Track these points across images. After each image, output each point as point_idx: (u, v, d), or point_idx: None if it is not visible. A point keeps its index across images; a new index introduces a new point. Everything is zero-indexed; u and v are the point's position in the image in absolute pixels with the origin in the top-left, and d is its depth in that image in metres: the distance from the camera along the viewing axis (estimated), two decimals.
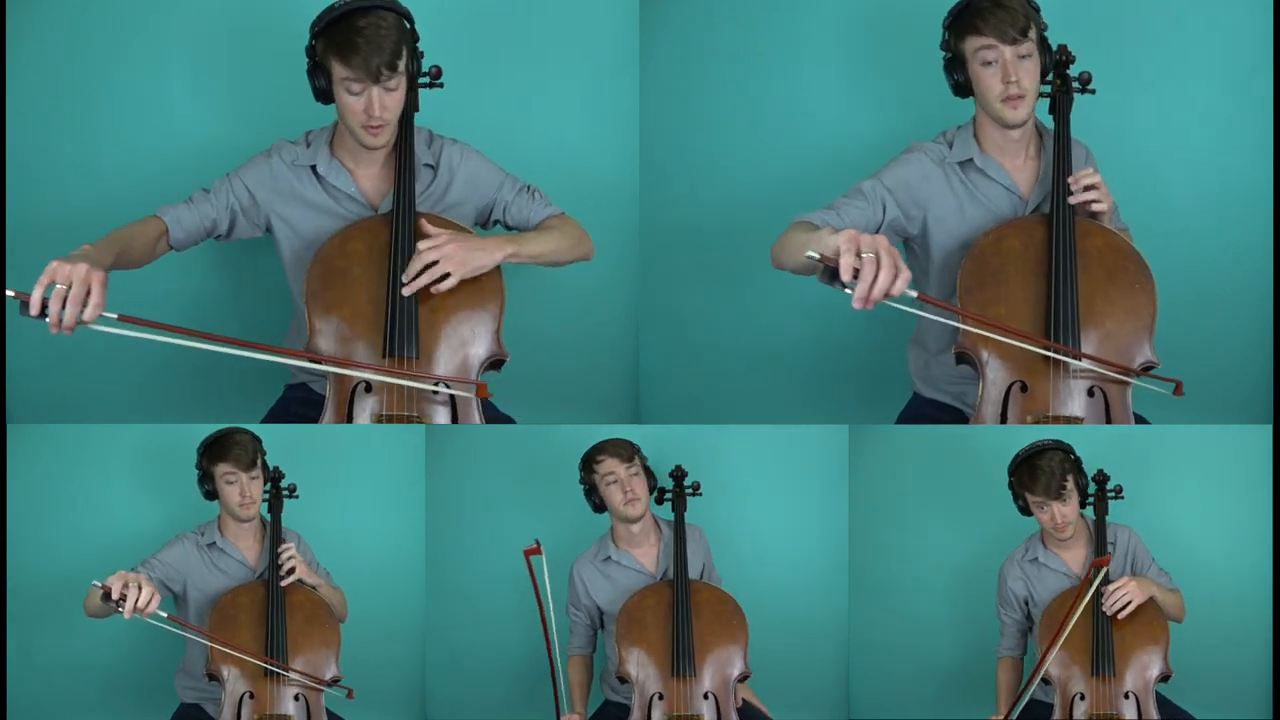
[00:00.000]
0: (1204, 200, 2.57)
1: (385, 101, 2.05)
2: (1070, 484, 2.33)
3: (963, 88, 2.15)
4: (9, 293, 1.81)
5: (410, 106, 2.16)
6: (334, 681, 2.33)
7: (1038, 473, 2.32)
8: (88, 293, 1.81)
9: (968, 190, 2.18)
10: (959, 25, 2.11)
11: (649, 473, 2.42)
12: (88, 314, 1.81)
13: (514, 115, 2.61)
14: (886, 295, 1.71)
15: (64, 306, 1.79)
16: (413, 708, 2.77)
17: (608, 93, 2.63)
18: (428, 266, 2.05)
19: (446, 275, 2.05)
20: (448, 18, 2.51)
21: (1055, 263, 2.08)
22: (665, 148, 2.64)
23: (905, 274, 1.71)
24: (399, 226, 2.10)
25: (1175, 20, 2.57)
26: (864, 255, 1.70)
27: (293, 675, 2.28)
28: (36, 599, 2.61)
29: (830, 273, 1.72)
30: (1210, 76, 2.57)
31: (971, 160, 2.17)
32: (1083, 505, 2.38)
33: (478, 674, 2.79)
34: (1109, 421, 2.06)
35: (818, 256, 1.72)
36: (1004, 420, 2.06)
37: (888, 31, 2.61)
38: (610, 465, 2.37)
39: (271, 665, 2.27)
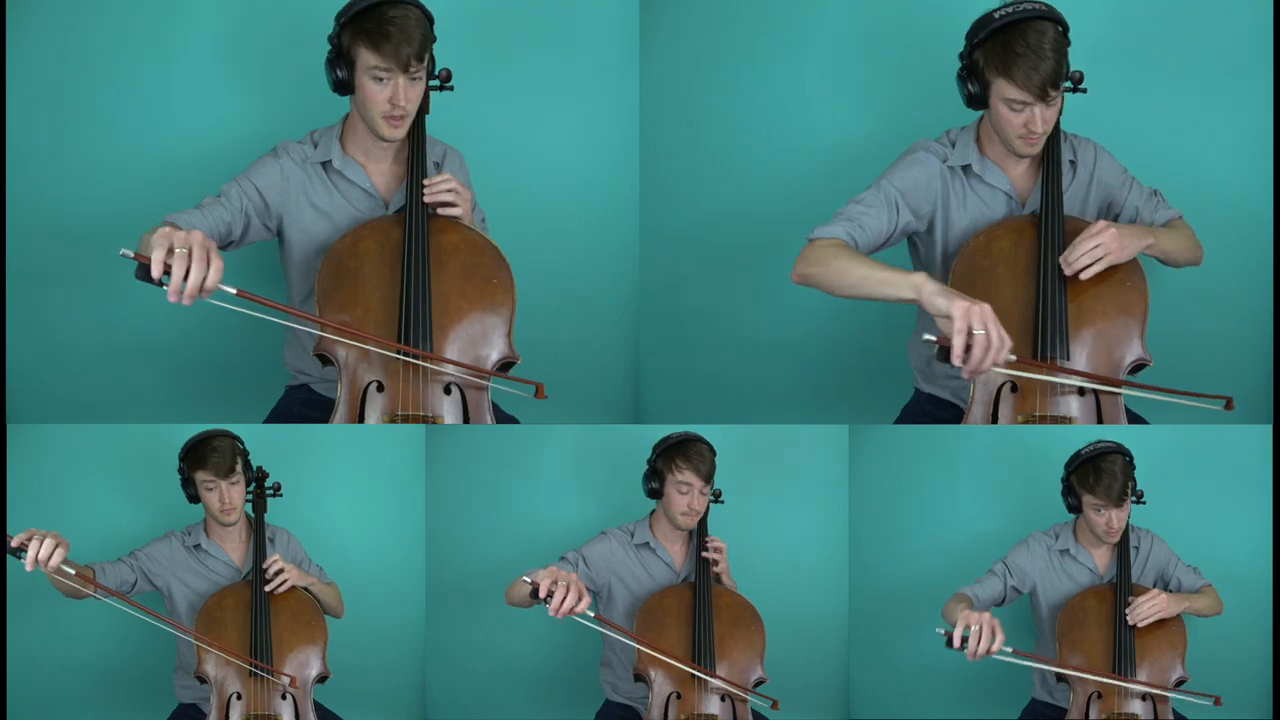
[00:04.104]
0: (1204, 200, 2.57)
1: (409, 93, 2.07)
2: (1129, 491, 2.34)
3: (976, 101, 2.10)
4: (125, 252, 1.73)
5: (423, 108, 2.17)
6: (322, 679, 2.33)
7: (1103, 475, 2.32)
8: (208, 261, 1.75)
9: (970, 192, 2.18)
10: (989, 57, 2.04)
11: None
12: (210, 281, 1.74)
13: (514, 116, 2.61)
14: (994, 366, 1.85)
15: (186, 274, 1.73)
16: (413, 708, 2.77)
17: (608, 93, 2.63)
18: (448, 193, 2.11)
19: (456, 208, 2.11)
20: (447, 20, 2.50)
21: (1043, 263, 2.07)
22: (665, 149, 2.64)
23: (1009, 343, 1.85)
24: (412, 222, 2.10)
25: (1176, 19, 2.57)
26: (976, 333, 1.84)
27: (279, 678, 2.28)
28: (36, 599, 2.60)
29: (944, 351, 1.86)
30: (1210, 76, 2.57)
31: (970, 166, 2.17)
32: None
33: (478, 674, 2.79)
34: (1100, 420, 2.06)
35: (935, 340, 1.86)
36: (995, 420, 2.06)
37: (888, 34, 2.61)
38: (689, 477, 2.37)
39: (252, 664, 2.27)
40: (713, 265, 2.69)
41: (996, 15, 2.04)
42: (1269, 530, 2.52)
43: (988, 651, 2.10)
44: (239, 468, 2.37)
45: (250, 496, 2.40)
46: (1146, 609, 2.29)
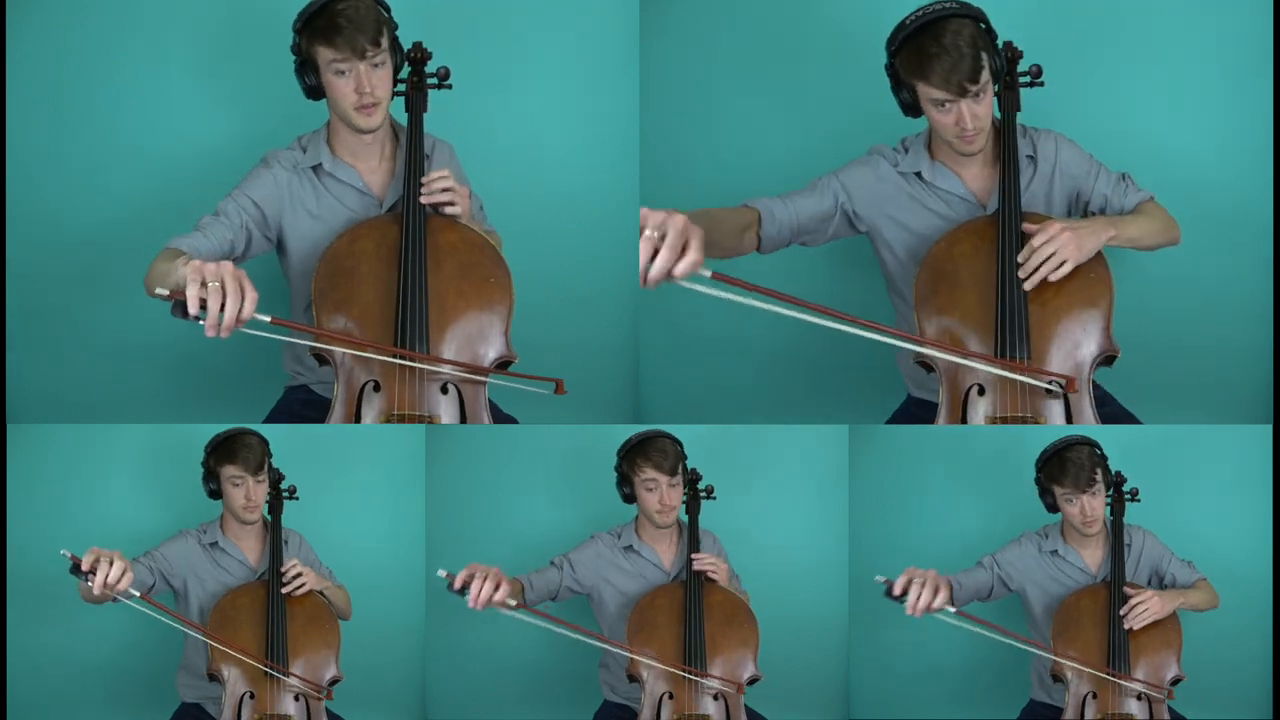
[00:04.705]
0: (1203, 200, 2.57)
1: (373, 78, 2.07)
2: (1099, 477, 2.34)
3: (910, 109, 2.10)
4: (159, 290, 1.76)
5: (420, 106, 2.17)
6: (334, 682, 2.33)
7: (1067, 465, 2.32)
8: (242, 293, 1.76)
9: (927, 197, 2.18)
10: (906, 63, 2.05)
11: (686, 480, 2.43)
12: (245, 312, 1.75)
13: (514, 115, 2.61)
14: (669, 276, 1.66)
15: (222, 307, 1.74)
16: (413, 708, 2.77)
17: (608, 93, 2.63)
18: (445, 194, 2.11)
19: (456, 206, 2.12)
20: (448, 18, 2.51)
21: (1002, 262, 2.05)
22: (665, 148, 2.64)
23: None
24: (409, 222, 2.10)
25: (1175, 18, 2.57)
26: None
27: (292, 680, 2.28)
28: (37, 599, 2.61)
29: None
30: (1210, 75, 2.57)
31: (920, 172, 2.17)
32: (1110, 501, 2.39)
33: (478, 674, 2.79)
34: (1069, 419, 2.04)
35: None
36: (963, 421, 2.05)
37: (886, 33, 2.61)
38: (651, 473, 2.38)
39: (267, 666, 2.27)
40: (712, 264, 2.69)
41: (908, 21, 2.04)
42: (1269, 530, 2.52)
43: (928, 607, 2.03)
44: (266, 466, 2.38)
45: (269, 497, 2.40)
46: (1140, 611, 2.29)
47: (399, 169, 2.18)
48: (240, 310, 1.74)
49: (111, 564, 2.00)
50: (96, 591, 2.01)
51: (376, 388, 2.05)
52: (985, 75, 2.02)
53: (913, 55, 2.03)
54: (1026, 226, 2.07)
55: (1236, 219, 2.57)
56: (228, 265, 1.76)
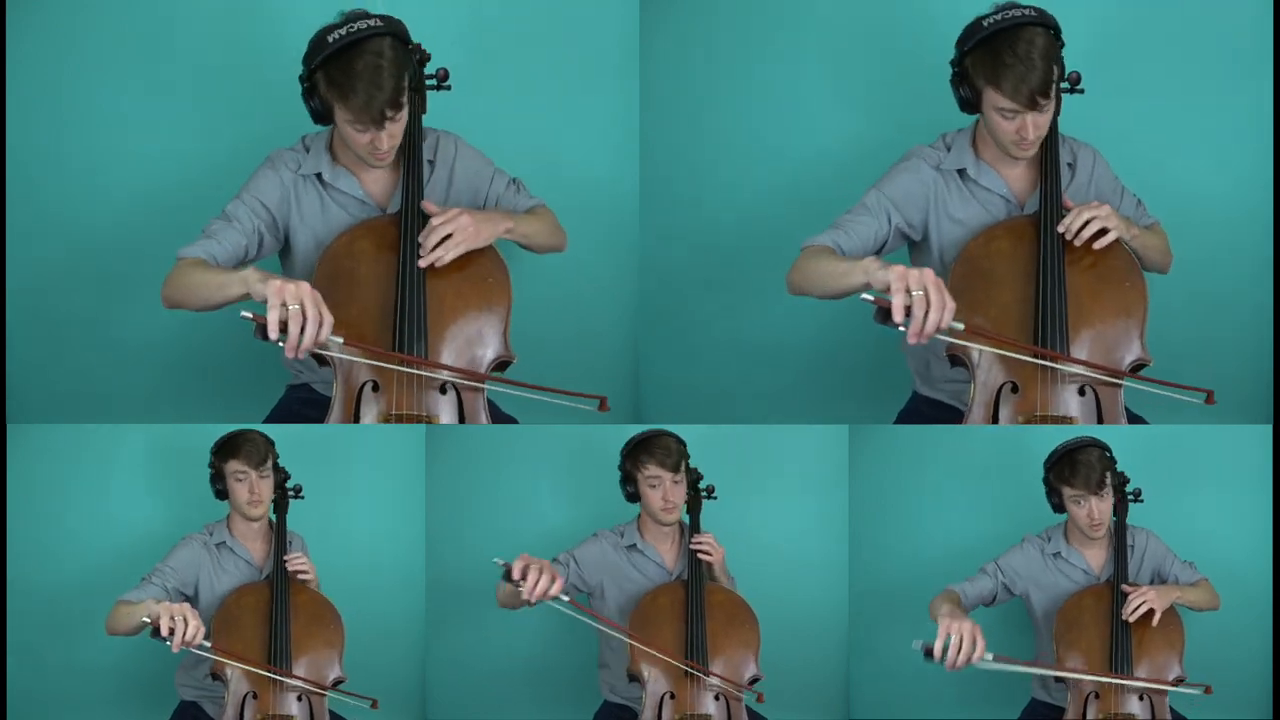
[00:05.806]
0: (1203, 200, 2.57)
1: (393, 132, 2.03)
2: (1109, 480, 2.34)
3: (969, 105, 2.10)
4: (246, 315, 1.82)
5: (417, 109, 2.15)
6: (337, 683, 2.33)
7: (1078, 466, 2.32)
8: (320, 317, 1.82)
9: (964, 196, 2.18)
10: (978, 66, 2.03)
11: (689, 479, 2.43)
12: (323, 334, 1.83)
13: (514, 117, 2.61)
14: (939, 329, 1.82)
15: (302, 329, 1.81)
16: (413, 708, 2.77)
17: (608, 95, 2.63)
18: (443, 241, 2.06)
19: (460, 246, 2.09)
20: (448, 20, 2.51)
21: (1043, 263, 2.07)
22: (665, 149, 2.64)
23: (951, 305, 1.83)
24: (407, 226, 2.10)
25: (1176, 19, 2.58)
26: (914, 293, 1.82)
27: (295, 682, 2.28)
28: (37, 599, 2.61)
29: (884, 313, 1.84)
30: (1210, 76, 2.58)
31: (965, 170, 2.17)
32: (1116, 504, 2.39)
33: (478, 674, 2.79)
34: (1100, 420, 2.06)
35: (872, 299, 1.85)
36: (995, 420, 2.06)
37: (888, 35, 2.61)
38: (655, 470, 2.38)
39: (279, 675, 2.27)
40: (712, 265, 2.69)
41: (985, 23, 2.03)
42: (1269, 530, 2.52)
43: (968, 661, 2.02)
44: (270, 462, 2.38)
45: (274, 496, 2.41)
46: (1138, 604, 2.29)
47: (402, 176, 2.17)
48: (319, 334, 1.81)
49: (187, 623, 2.07)
50: (175, 650, 2.08)
51: (375, 388, 2.06)
52: (1054, 90, 2.03)
53: (987, 60, 2.02)
54: (1067, 201, 2.12)
55: (1236, 218, 2.57)
56: (305, 286, 1.82)
